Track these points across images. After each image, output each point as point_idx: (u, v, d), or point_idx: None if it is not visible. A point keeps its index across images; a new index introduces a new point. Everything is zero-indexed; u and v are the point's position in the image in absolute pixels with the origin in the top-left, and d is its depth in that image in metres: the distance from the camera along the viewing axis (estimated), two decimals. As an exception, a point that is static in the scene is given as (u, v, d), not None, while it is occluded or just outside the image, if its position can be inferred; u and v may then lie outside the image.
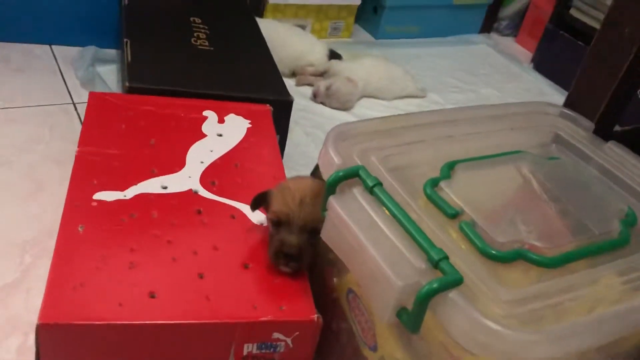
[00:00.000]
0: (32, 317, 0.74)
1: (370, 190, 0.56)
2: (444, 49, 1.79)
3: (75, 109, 1.15)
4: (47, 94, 1.17)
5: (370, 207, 0.55)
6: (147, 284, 0.61)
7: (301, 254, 0.64)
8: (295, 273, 0.65)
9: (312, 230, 0.64)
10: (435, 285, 0.47)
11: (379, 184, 0.56)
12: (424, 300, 0.48)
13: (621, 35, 0.74)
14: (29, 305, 0.76)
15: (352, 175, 0.58)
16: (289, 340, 0.62)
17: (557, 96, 1.65)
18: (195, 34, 1.11)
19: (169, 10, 1.20)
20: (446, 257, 0.49)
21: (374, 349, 0.61)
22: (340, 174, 0.58)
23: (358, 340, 0.64)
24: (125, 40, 1.02)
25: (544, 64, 1.77)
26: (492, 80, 1.68)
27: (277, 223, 0.66)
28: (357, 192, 0.57)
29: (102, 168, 0.75)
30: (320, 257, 0.70)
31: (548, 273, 0.54)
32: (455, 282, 0.48)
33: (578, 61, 1.64)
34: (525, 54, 1.88)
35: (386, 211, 0.55)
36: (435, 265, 0.49)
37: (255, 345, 0.62)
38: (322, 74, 1.42)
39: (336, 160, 0.60)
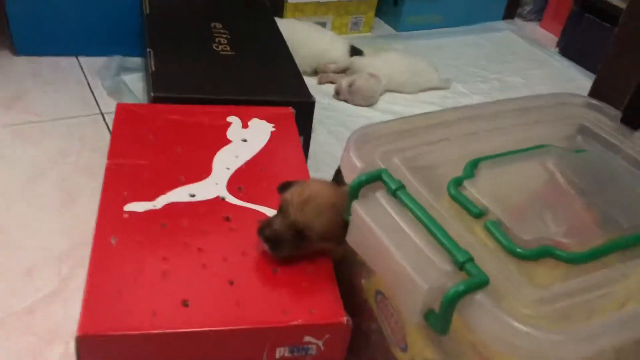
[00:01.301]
0: (71, 326, 0.75)
1: (393, 194, 0.57)
2: (467, 37, 1.77)
3: (104, 118, 1.17)
4: (75, 105, 1.20)
5: (394, 210, 0.56)
6: (180, 292, 0.63)
7: (277, 242, 0.66)
8: (319, 273, 0.67)
9: (300, 232, 0.65)
10: (461, 288, 0.48)
11: (402, 187, 0.57)
12: (451, 302, 0.48)
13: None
14: (68, 315, 0.78)
15: (374, 179, 0.58)
16: (320, 343, 0.63)
17: (585, 81, 1.61)
18: (216, 40, 1.13)
19: (189, 17, 1.22)
20: (471, 259, 0.50)
21: (404, 349, 0.61)
22: (363, 178, 0.58)
23: (388, 341, 0.64)
24: (148, 50, 1.04)
25: (570, 48, 1.74)
26: (518, 67, 1.65)
27: (279, 208, 0.68)
28: (381, 196, 0.57)
29: (132, 179, 0.76)
30: (347, 258, 0.70)
31: (576, 269, 0.54)
32: (481, 283, 0.48)
33: (605, 44, 1.61)
34: (551, 39, 1.84)
35: (410, 214, 0.55)
36: (460, 267, 0.50)
37: (287, 348, 0.63)
38: (344, 71, 1.42)
39: (358, 164, 0.60)
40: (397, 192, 0.56)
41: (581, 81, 1.62)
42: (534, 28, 1.92)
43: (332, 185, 0.70)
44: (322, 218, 0.66)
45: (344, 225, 0.63)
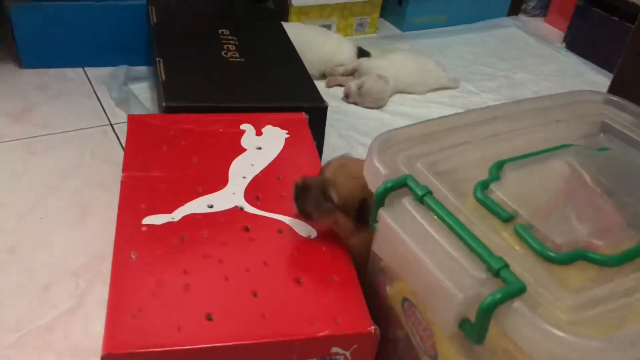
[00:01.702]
0: (91, 343, 0.76)
1: (420, 200, 0.56)
2: (473, 35, 1.76)
3: (113, 129, 1.16)
4: (84, 116, 1.19)
5: (422, 217, 0.54)
6: (203, 306, 0.62)
7: (302, 192, 0.69)
8: (344, 282, 0.66)
9: (323, 191, 0.68)
10: (498, 296, 0.46)
11: (429, 192, 0.56)
12: (487, 311, 0.47)
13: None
14: (88, 331, 0.77)
15: (400, 185, 0.57)
16: (347, 354, 0.62)
17: (593, 75, 1.60)
18: (225, 47, 1.12)
19: (197, 25, 1.21)
20: (507, 265, 0.49)
21: (435, 357, 0.60)
22: (389, 185, 0.57)
23: (417, 349, 0.63)
24: (157, 59, 1.03)
25: (577, 43, 1.72)
26: (525, 63, 1.64)
27: (320, 170, 0.73)
28: (407, 202, 0.56)
29: (148, 192, 0.75)
30: (371, 265, 0.69)
31: (606, 271, 0.53)
32: (519, 291, 0.47)
33: (613, 37, 1.60)
34: (557, 34, 1.83)
35: (439, 220, 0.54)
36: (495, 274, 0.49)
37: (314, 360, 0.62)
38: (352, 73, 1.41)
39: (382, 171, 0.59)
40: (424, 198, 0.55)
41: (589, 76, 1.61)
42: (539, 24, 1.91)
43: None
44: (349, 183, 0.68)
45: (366, 205, 0.65)
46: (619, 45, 1.51)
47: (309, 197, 0.69)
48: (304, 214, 0.70)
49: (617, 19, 1.58)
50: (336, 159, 0.73)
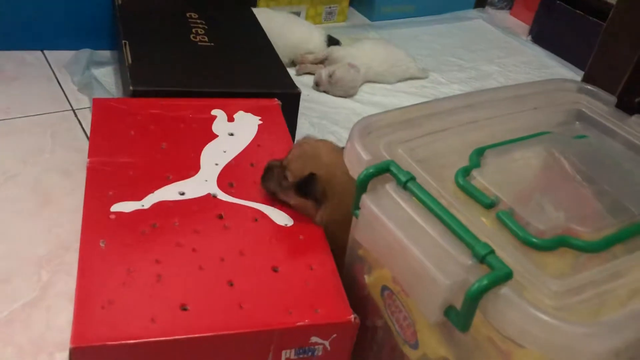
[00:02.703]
0: (55, 336, 0.73)
1: (403, 186, 0.54)
2: (440, 26, 1.76)
3: (76, 115, 1.12)
4: (44, 101, 1.14)
5: (405, 203, 0.53)
6: (178, 297, 0.59)
7: (266, 172, 0.73)
8: (322, 271, 0.65)
9: (284, 175, 0.71)
10: (485, 282, 0.46)
11: (413, 178, 0.54)
12: (475, 298, 0.46)
13: (640, 5, 0.72)
14: (51, 324, 0.74)
15: (383, 171, 0.56)
16: (326, 343, 0.61)
17: (559, 68, 1.63)
18: (193, 30, 1.08)
19: (164, 7, 1.17)
20: (492, 251, 0.48)
21: (415, 346, 0.59)
22: (371, 170, 0.56)
23: (396, 338, 0.62)
24: (123, 41, 0.99)
25: (542, 36, 1.74)
26: (492, 55, 1.65)
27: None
28: (390, 188, 0.55)
29: (116, 178, 0.72)
30: (348, 253, 0.68)
31: (586, 257, 0.53)
32: (506, 276, 0.46)
33: (577, 31, 1.63)
34: (522, 27, 1.85)
35: (422, 206, 0.53)
36: (481, 260, 0.48)
37: (293, 351, 0.60)
38: (322, 62, 1.39)
39: (364, 156, 0.58)
40: (407, 184, 0.54)
41: (555, 68, 1.63)
42: (504, 16, 1.93)
43: (336, 146, 0.74)
44: (300, 161, 0.71)
45: (313, 180, 0.68)
46: (583, 39, 1.54)
47: (273, 177, 0.72)
48: (269, 193, 0.73)
49: (581, 12, 1.61)
50: (299, 140, 0.76)
